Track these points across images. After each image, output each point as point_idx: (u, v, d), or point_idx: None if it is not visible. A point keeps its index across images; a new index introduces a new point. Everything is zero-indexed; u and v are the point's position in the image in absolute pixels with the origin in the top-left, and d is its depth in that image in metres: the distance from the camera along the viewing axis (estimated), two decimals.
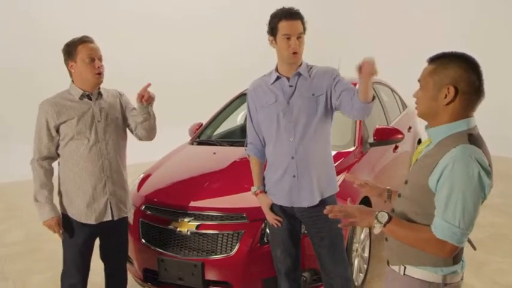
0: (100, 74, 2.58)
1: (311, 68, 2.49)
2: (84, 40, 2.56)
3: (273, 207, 2.59)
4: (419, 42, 7.86)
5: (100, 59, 2.59)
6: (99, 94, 2.66)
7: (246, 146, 2.69)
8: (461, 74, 1.54)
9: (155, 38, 8.38)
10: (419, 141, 5.28)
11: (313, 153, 2.44)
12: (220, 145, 3.98)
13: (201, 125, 4.41)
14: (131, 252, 3.17)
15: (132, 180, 3.66)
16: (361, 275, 3.36)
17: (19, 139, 7.16)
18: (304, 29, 2.38)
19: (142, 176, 3.62)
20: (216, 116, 4.48)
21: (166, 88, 8.36)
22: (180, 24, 8.68)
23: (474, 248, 1.80)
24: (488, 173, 1.50)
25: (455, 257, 1.61)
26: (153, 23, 8.40)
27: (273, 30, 2.39)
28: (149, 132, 2.75)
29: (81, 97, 2.59)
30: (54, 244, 4.44)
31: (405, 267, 1.67)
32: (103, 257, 2.86)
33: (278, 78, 2.47)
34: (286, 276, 2.64)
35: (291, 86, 2.44)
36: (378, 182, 3.62)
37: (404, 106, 5.49)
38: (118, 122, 2.71)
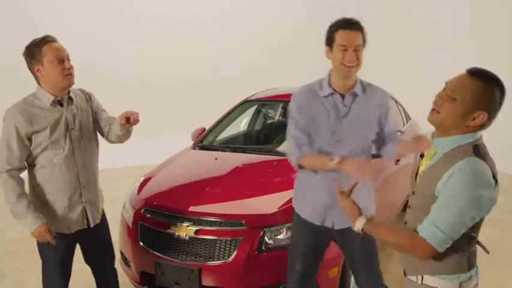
0: (71, 74, 2.41)
1: (365, 87, 2.37)
2: (48, 40, 2.37)
3: (297, 221, 2.53)
4: (420, 43, 7.86)
5: (68, 59, 2.41)
6: (70, 99, 2.51)
7: (293, 154, 2.39)
8: (495, 102, 1.56)
9: (157, 41, 8.40)
10: (422, 155, 5.23)
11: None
12: (223, 151, 3.98)
13: (204, 129, 4.41)
14: (129, 254, 3.17)
15: (132, 183, 3.68)
16: None
17: None
18: (364, 41, 2.24)
19: (142, 178, 3.62)
20: (220, 121, 4.48)
21: (170, 92, 8.43)
22: (185, 27, 8.71)
23: (487, 252, 1.83)
24: (490, 186, 1.53)
25: (469, 262, 1.67)
26: (156, 25, 8.42)
27: (329, 40, 2.26)
28: (122, 141, 2.70)
29: (52, 103, 2.42)
30: None
31: (423, 277, 1.71)
32: (88, 262, 2.81)
33: (332, 94, 2.32)
34: (300, 283, 2.57)
35: (345, 106, 2.32)
36: (379, 194, 3.61)
37: (408, 118, 5.48)
38: (90, 127, 2.61)
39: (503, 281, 3.82)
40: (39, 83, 2.44)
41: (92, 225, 2.60)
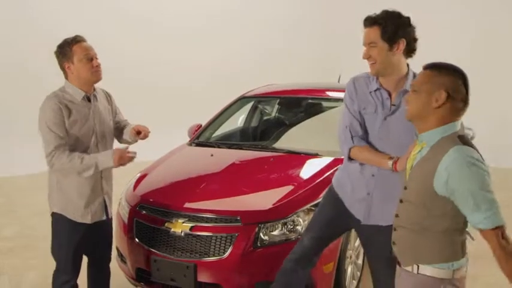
0: (98, 71, 2.61)
1: None
2: (78, 40, 2.56)
3: (331, 195, 2.54)
4: (422, 45, 7.86)
5: (96, 57, 2.61)
6: (95, 96, 2.69)
7: (347, 144, 2.36)
8: (453, 82, 1.71)
9: (155, 39, 8.38)
10: None
11: (392, 178, 2.19)
12: (219, 147, 3.98)
13: (201, 126, 4.42)
14: (124, 251, 3.18)
15: (128, 179, 3.68)
16: (354, 282, 3.36)
17: (18, 134, 7.21)
18: (383, 35, 2.16)
19: (138, 175, 3.62)
20: (216, 118, 4.49)
21: (167, 89, 8.42)
22: (181, 26, 8.69)
23: (472, 239, 1.88)
24: (486, 166, 1.64)
25: (462, 249, 1.76)
26: (152, 24, 8.40)
27: None
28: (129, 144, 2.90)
29: (83, 99, 2.61)
30: (47, 241, 4.46)
31: (418, 267, 1.77)
32: (88, 252, 2.87)
33: (378, 89, 2.29)
34: (293, 264, 2.55)
35: (393, 105, 2.27)
36: None
37: None
38: (110, 124, 2.81)
39: (500, 278, 3.82)
40: (67, 79, 2.62)
41: (109, 217, 2.78)
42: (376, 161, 2.26)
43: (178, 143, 4.27)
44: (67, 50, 2.54)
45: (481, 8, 8.20)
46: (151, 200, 3.18)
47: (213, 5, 9.06)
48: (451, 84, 1.70)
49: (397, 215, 1.86)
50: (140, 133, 2.81)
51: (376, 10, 2.26)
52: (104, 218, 2.74)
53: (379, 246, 2.38)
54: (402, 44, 2.18)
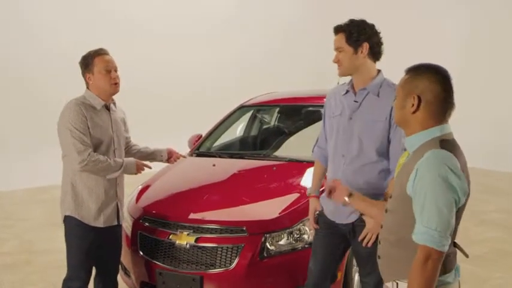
0: (116, 84, 2.72)
1: (386, 85, 2.39)
2: (100, 53, 2.69)
3: (319, 216, 2.57)
4: (421, 46, 7.89)
5: (116, 70, 2.72)
6: (113, 106, 2.83)
7: (314, 148, 2.72)
8: (427, 85, 1.61)
9: (155, 47, 8.37)
10: None
11: (360, 174, 2.37)
12: (220, 157, 3.96)
13: (201, 136, 4.39)
14: (129, 264, 3.13)
15: (130, 191, 3.64)
16: None
17: (16, 148, 7.15)
18: (348, 40, 2.33)
19: (140, 187, 3.58)
20: (216, 127, 4.46)
21: (167, 98, 8.40)
22: (180, 33, 8.70)
23: (466, 256, 1.78)
24: (459, 176, 1.52)
25: (444, 266, 1.59)
26: (154, 32, 8.40)
27: None
28: None
29: (102, 107, 2.73)
30: (46, 256, 4.42)
31: (397, 283, 1.68)
32: (98, 262, 2.85)
33: (347, 91, 2.46)
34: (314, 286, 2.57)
35: (356, 101, 2.41)
36: None
37: None
38: (124, 135, 2.93)
39: (508, 280, 3.82)
40: (88, 88, 2.73)
41: (120, 223, 2.85)
42: (313, 177, 2.70)
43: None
44: (89, 61, 2.67)
45: (479, 9, 8.25)
46: (154, 212, 3.15)
47: (213, 12, 9.09)
48: (424, 87, 1.61)
49: (381, 226, 1.78)
50: (170, 159, 3.14)
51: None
52: (116, 223, 2.79)
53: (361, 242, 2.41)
54: (365, 48, 2.34)
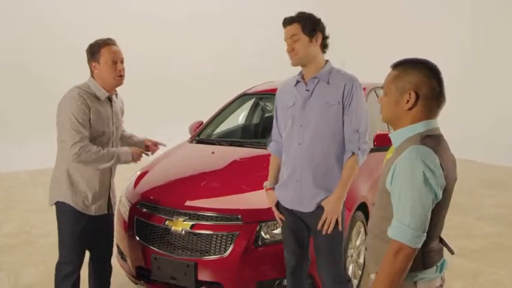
0: (121, 76, 2.69)
1: (335, 73, 2.49)
2: (108, 43, 2.66)
3: (279, 206, 2.63)
4: (421, 43, 7.84)
5: (122, 62, 2.69)
6: (115, 97, 2.80)
7: (270, 143, 2.79)
8: (422, 79, 1.59)
9: (158, 34, 8.36)
10: None
11: (317, 161, 2.45)
12: (220, 144, 3.96)
13: (202, 123, 4.39)
14: (125, 249, 3.16)
15: (129, 177, 3.66)
16: (355, 281, 3.34)
17: (17, 130, 7.19)
18: (303, 29, 2.40)
19: (139, 172, 3.60)
20: (217, 115, 4.46)
21: (168, 85, 8.41)
22: (183, 21, 8.67)
23: (452, 252, 1.77)
24: (434, 172, 1.50)
25: (424, 260, 1.61)
26: (156, 19, 8.38)
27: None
28: None
29: (106, 98, 2.70)
30: (46, 238, 4.46)
31: None
32: (91, 245, 2.88)
33: (298, 82, 2.53)
34: (292, 276, 2.65)
35: (307, 90, 2.48)
36: (376, 187, 3.61)
37: None
38: (121, 125, 2.94)
39: (502, 276, 3.82)
40: (93, 77, 2.69)
41: (111, 212, 2.86)
42: (269, 171, 2.77)
43: (180, 140, 4.25)
44: (96, 50, 2.64)
45: (482, 6, 8.19)
46: (151, 197, 3.16)
47: (215, 1, 9.03)
48: (419, 81, 1.59)
49: (369, 219, 1.82)
50: (149, 147, 3.04)
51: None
52: (106, 211, 2.81)
53: (319, 235, 2.48)
54: (319, 37, 2.44)
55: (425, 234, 1.53)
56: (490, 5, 8.06)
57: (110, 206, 2.83)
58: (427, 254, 1.60)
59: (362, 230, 3.36)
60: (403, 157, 1.54)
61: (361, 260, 3.43)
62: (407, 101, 1.60)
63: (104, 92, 2.68)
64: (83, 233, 2.72)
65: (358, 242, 3.33)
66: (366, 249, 1.82)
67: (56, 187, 2.71)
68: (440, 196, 1.54)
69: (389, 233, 1.55)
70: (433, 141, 1.58)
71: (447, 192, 1.58)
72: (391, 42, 8.55)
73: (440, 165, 1.53)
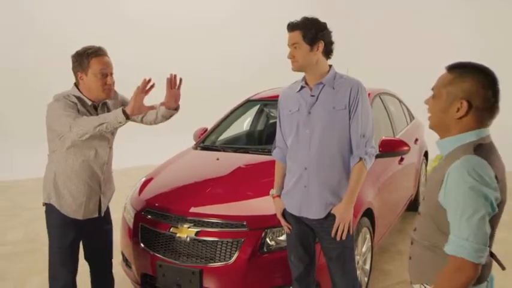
0: (110, 90, 2.54)
1: (339, 78, 2.48)
2: (99, 54, 2.48)
3: (285, 213, 2.60)
4: (427, 50, 7.83)
5: (111, 74, 2.53)
6: (104, 104, 2.66)
7: (274, 149, 2.76)
8: (477, 89, 1.49)
9: (161, 41, 8.39)
10: (426, 154, 5.20)
11: (326, 167, 2.43)
12: (224, 151, 3.94)
13: (206, 130, 4.39)
14: (130, 256, 3.15)
15: (133, 184, 3.65)
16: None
17: (21, 137, 7.21)
18: (304, 37, 2.38)
19: (143, 179, 3.60)
20: (221, 121, 4.45)
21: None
22: (188, 29, 8.71)
23: (503, 268, 1.69)
24: (490, 185, 1.42)
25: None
26: (160, 27, 8.42)
27: None
28: (158, 122, 2.84)
29: (90, 106, 2.57)
30: None
31: (425, 287, 1.64)
32: (88, 256, 2.86)
33: (302, 87, 2.51)
34: (298, 282, 2.63)
35: (312, 96, 2.46)
36: (382, 193, 3.59)
37: (412, 118, 5.43)
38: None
39: (503, 283, 3.76)
40: (77, 86, 2.54)
41: (102, 214, 2.73)
42: (275, 178, 2.73)
43: (184, 147, 4.25)
44: (84, 60, 2.46)
45: (487, 12, 8.17)
46: (156, 204, 3.15)
47: (219, 8, 9.07)
48: (474, 91, 1.48)
49: (415, 229, 1.73)
50: (173, 82, 2.74)
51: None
52: (96, 215, 2.70)
53: (328, 243, 2.48)
54: (321, 46, 2.40)
55: (487, 248, 1.44)
56: (496, 10, 8.04)
57: (100, 208, 2.71)
58: (482, 267, 1.51)
59: (368, 236, 3.34)
60: (456, 168, 1.45)
61: (367, 267, 3.40)
62: (458, 110, 1.50)
63: (86, 101, 2.53)
64: (72, 244, 2.64)
65: (364, 249, 3.30)
66: (410, 258, 1.74)
67: (44, 188, 2.65)
68: (496, 208, 1.46)
69: (447, 249, 1.47)
70: (485, 150, 1.50)
71: (502, 203, 1.50)
72: (394, 48, 8.57)
73: (496, 176, 1.46)
